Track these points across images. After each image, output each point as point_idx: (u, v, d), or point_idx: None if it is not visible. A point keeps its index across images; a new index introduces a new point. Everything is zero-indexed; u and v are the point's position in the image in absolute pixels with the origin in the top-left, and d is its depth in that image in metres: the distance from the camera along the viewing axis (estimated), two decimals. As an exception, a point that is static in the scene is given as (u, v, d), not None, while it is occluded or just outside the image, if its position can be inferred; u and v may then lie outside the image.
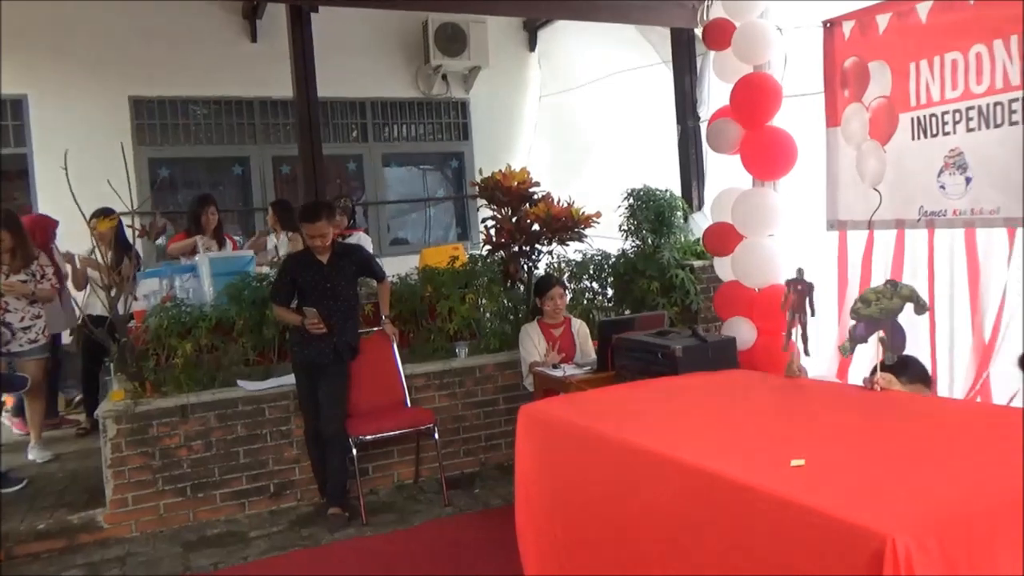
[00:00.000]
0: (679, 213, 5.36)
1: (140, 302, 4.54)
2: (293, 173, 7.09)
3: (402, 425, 4.05)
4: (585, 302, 5.41)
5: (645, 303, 5.09)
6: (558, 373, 3.96)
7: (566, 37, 7.43)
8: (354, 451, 3.90)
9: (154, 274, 4.89)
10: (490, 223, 4.97)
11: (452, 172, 8.13)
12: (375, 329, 4.32)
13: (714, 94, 5.54)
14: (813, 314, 2.57)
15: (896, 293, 2.25)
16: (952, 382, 3.51)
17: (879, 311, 2.30)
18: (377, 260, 4.36)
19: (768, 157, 4.19)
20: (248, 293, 4.35)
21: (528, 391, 4.31)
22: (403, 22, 7.36)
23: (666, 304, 5.02)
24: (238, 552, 3.58)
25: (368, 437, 3.96)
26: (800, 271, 2.62)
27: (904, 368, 2.58)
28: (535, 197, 4.82)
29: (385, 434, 4.02)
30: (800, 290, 2.55)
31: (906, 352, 2.63)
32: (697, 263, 5.17)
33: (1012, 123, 3.18)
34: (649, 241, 5.22)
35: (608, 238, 5.77)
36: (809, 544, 1.49)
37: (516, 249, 4.84)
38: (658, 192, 5.31)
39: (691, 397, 2.49)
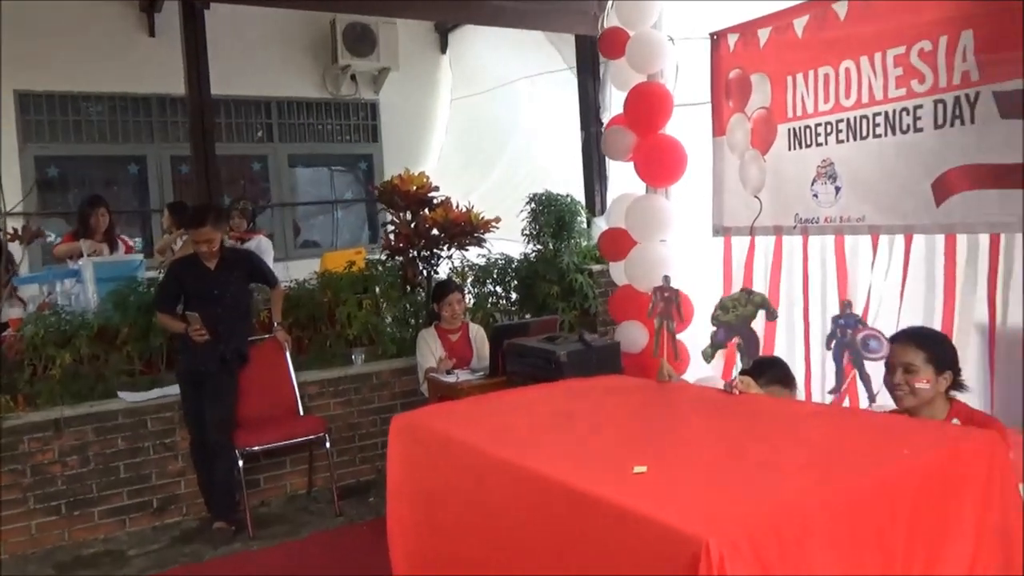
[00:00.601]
0: (580, 218, 5.45)
1: (15, 310, 4.33)
2: (192, 173, 6.89)
3: (291, 435, 3.99)
4: (488, 306, 5.45)
5: (546, 307, 5.16)
6: (451, 379, 3.97)
7: (477, 40, 7.46)
8: (240, 463, 3.81)
9: (32, 280, 4.68)
10: (390, 227, 4.94)
11: (363, 174, 8.05)
12: (267, 336, 4.24)
13: (617, 101, 5.67)
14: (681, 319, 2.65)
15: (750, 300, 2.35)
16: (824, 381, 3.67)
17: (735, 317, 2.39)
18: (272, 265, 4.29)
19: (659, 164, 4.31)
20: (135, 299, 4.21)
21: (425, 397, 4.31)
22: (310, 21, 7.24)
23: (566, 308, 5.10)
24: (114, 572, 3.45)
25: (255, 448, 3.88)
26: (667, 278, 2.69)
27: (765, 370, 2.70)
28: (434, 202, 4.82)
29: (273, 444, 3.95)
30: (667, 297, 2.63)
31: (775, 353, 2.76)
32: (596, 267, 5.27)
33: (876, 136, 3.36)
34: (550, 246, 5.30)
35: (514, 241, 5.83)
36: (635, 549, 1.54)
37: (415, 254, 4.83)
38: (559, 197, 5.39)
39: (559, 404, 2.53)
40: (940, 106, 3.08)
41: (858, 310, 3.53)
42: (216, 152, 4.78)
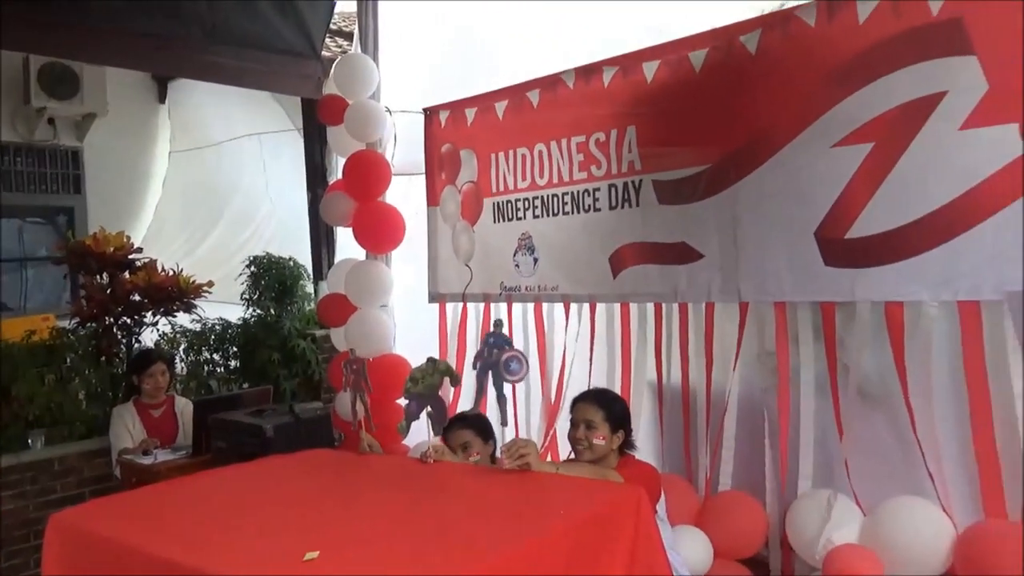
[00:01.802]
0: (303, 282, 5.39)
1: None
2: None
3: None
4: (204, 374, 5.16)
5: (266, 375, 4.99)
6: (147, 460, 3.66)
7: (199, 93, 7.14)
8: None
9: None
10: (82, 292, 4.51)
11: (63, 229, 7.25)
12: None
13: (342, 164, 5.74)
14: (370, 390, 2.71)
15: (436, 369, 2.47)
16: (529, 436, 3.93)
17: (425, 387, 2.50)
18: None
19: (377, 231, 4.40)
20: None
21: (118, 480, 3.92)
22: (-3, 55, 6.48)
23: (287, 375, 4.97)
24: None
25: None
26: (352, 351, 2.75)
27: (464, 424, 2.85)
28: (136, 264, 4.49)
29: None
30: (356, 369, 2.68)
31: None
32: (320, 332, 5.20)
33: (565, 213, 3.74)
34: (271, 310, 5.16)
35: (237, 305, 5.59)
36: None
37: (111, 321, 4.43)
38: (281, 260, 5.30)
39: (250, 485, 2.46)
40: (613, 190, 3.52)
41: (555, 370, 3.87)
42: None
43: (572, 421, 2.80)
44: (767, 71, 3.00)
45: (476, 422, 2.98)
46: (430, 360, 2.53)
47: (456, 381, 2.52)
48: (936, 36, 2.57)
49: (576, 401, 2.85)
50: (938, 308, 2.68)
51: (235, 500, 2.32)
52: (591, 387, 3.21)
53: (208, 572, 1.73)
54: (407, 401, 2.53)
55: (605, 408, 2.75)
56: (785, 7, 3.00)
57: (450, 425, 2.89)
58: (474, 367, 2.53)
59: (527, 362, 3.27)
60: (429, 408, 2.50)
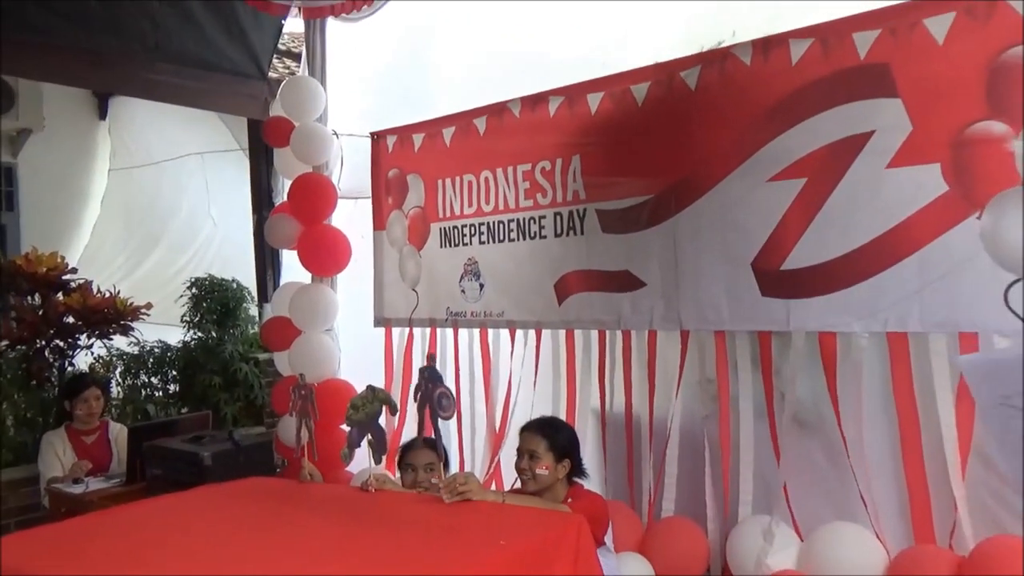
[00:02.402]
0: (247, 304, 5.31)
1: None
2: None
3: None
4: (142, 398, 5.04)
5: (207, 399, 4.90)
6: (78, 489, 3.55)
7: (140, 109, 7.02)
8: None
9: None
10: (12, 313, 4.36)
11: (-6, 246, 7.02)
12: None
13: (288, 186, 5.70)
14: (317, 417, 2.69)
15: (375, 397, 2.47)
16: (473, 466, 3.93)
17: (365, 415, 2.49)
18: None
19: (322, 254, 4.39)
20: None
21: (47, 510, 3.78)
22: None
23: (228, 400, 4.89)
24: None
25: None
26: (302, 376, 2.73)
27: (421, 445, 2.84)
28: (70, 285, 4.37)
29: None
30: (304, 395, 2.66)
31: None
32: (263, 356, 5.13)
33: (511, 239, 3.78)
34: (213, 333, 5.07)
35: (179, 327, 5.48)
36: None
37: (43, 344, 4.30)
38: (224, 283, 5.23)
39: (184, 518, 2.41)
40: (559, 217, 3.57)
41: (501, 396, 3.88)
42: None
43: (518, 450, 2.81)
44: (706, 106, 3.09)
45: (427, 440, 2.96)
46: (369, 388, 2.53)
47: (395, 410, 2.52)
48: (864, 78, 2.69)
49: (522, 431, 2.86)
50: (868, 338, 2.78)
51: (168, 531, 2.28)
52: (537, 415, 3.22)
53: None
54: (348, 428, 2.51)
55: (549, 438, 2.76)
56: (723, 45, 3.10)
57: (411, 444, 2.91)
58: (415, 399, 2.53)
59: (453, 400, 3.28)
60: (369, 436, 2.49)
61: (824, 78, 2.78)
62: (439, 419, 2.41)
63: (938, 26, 2.55)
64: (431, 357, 2.85)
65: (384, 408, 2.49)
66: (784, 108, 2.89)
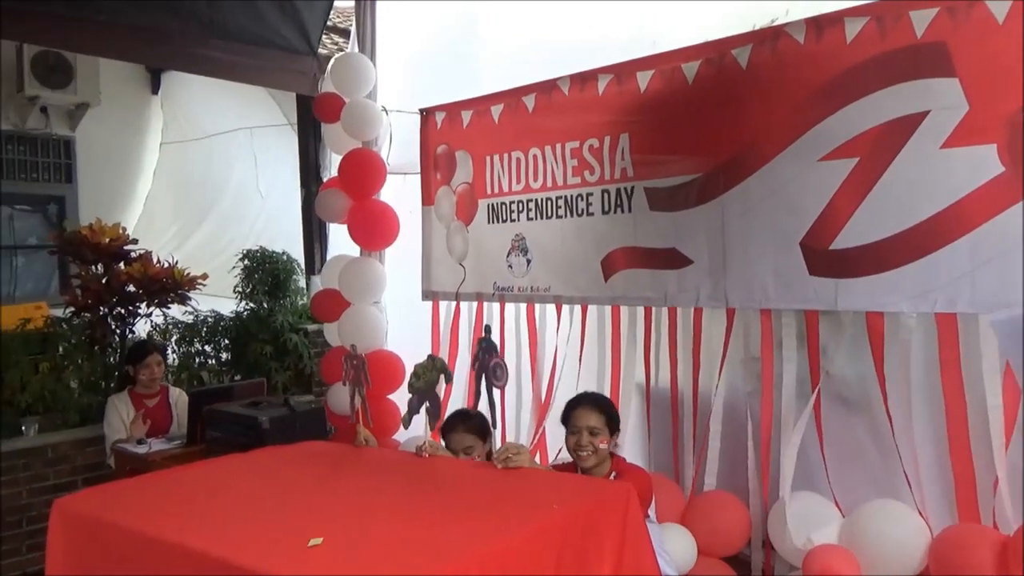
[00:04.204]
0: (296, 277, 5.46)
1: None
2: None
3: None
4: (196, 366, 5.22)
5: (259, 367, 5.06)
6: (141, 450, 3.73)
7: (192, 83, 7.16)
8: None
9: None
10: (76, 282, 4.56)
11: (54, 217, 7.27)
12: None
13: (337, 162, 5.81)
14: (370, 386, 2.80)
15: (435, 366, 2.57)
16: (518, 436, 4.04)
17: (425, 383, 2.59)
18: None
19: (371, 228, 4.49)
20: None
21: (112, 469, 3.99)
22: (-10, 43, 6.49)
23: (278, 368, 5.05)
24: None
25: None
26: (353, 347, 2.83)
27: (463, 421, 2.94)
28: (131, 256, 4.54)
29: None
30: (356, 364, 2.76)
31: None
32: (312, 327, 5.28)
33: (558, 216, 3.84)
34: (264, 304, 5.22)
35: (228, 299, 5.65)
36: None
37: (105, 312, 4.48)
38: (274, 255, 5.37)
39: (250, 475, 2.54)
40: (606, 195, 3.62)
41: (546, 370, 3.97)
42: None
43: (571, 428, 2.82)
44: (757, 85, 3.10)
45: (476, 423, 3.05)
46: (429, 357, 2.62)
47: (450, 378, 2.61)
48: (920, 58, 2.69)
49: (574, 407, 2.87)
50: (916, 319, 2.80)
51: (237, 488, 2.40)
52: (582, 390, 3.28)
53: (217, 555, 1.81)
54: (410, 395, 2.61)
55: (605, 412, 2.81)
56: (776, 23, 3.10)
57: (452, 427, 2.96)
58: (473, 368, 2.63)
59: (507, 370, 3.37)
60: (427, 404, 2.59)
61: (879, 57, 2.78)
62: (493, 388, 2.49)
63: (999, 5, 2.54)
64: (487, 328, 2.92)
65: (441, 377, 2.59)
66: (837, 87, 2.89)
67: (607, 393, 3.63)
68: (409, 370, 2.67)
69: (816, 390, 3.03)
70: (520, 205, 4.00)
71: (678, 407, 3.55)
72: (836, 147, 2.90)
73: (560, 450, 3.73)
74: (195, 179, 7.26)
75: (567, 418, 2.86)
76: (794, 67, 3.00)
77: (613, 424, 2.82)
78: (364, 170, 4.49)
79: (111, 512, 2.21)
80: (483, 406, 3.15)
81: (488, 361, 2.51)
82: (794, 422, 3.06)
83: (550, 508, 2.13)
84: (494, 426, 2.74)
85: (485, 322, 4.10)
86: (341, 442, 3.32)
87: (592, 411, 2.80)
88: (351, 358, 2.77)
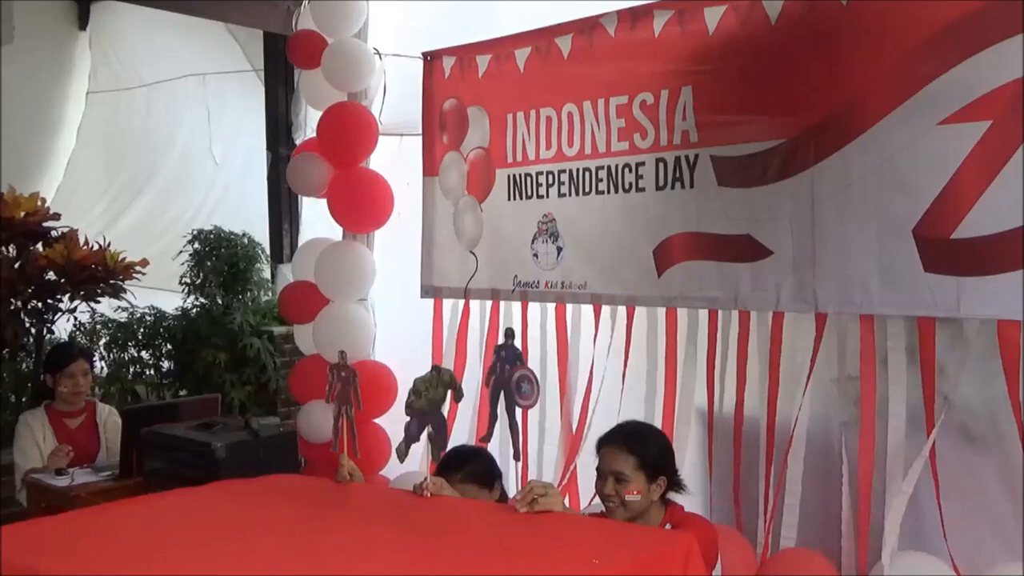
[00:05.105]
0: (260, 266, 5.51)
1: None
2: None
3: None
4: (130, 377, 5.28)
5: (210, 380, 5.12)
6: (62, 482, 3.78)
7: (129, 17, 7.24)
8: None
9: None
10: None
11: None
12: None
13: (314, 120, 5.84)
14: (360, 405, 2.83)
15: (440, 380, 2.59)
16: (540, 473, 4.06)
17: (428, 402, 2.62)
18: None
19: (359, 204, 4.53)
20: None
21: (24, 508, 4.04)
22: None
23: (236, 382, 5.11)
24: None
25: None
26: (342, 354, 2.86)
27: (461, 464, 2.96)
28: (51, 235, 4.60)
29: None
30: (344, 377, 2.79)
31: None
32: (280, 330, 5.34)
33: (599, 192, 3.86)
34: (218, 300, 5.27)
35: (171, 292, 5.72)
36: None
37: (18, 305, 4.54)
38: (233, 237, 5.42)
39: (198, 519, 2.56)
40: (662, 165, 3.63)
41: (580, 390, 3.99)
42: None
43: (598, 470, 2.85)
44: (861, 27, 3.10)
45: (479, 467, 3.07)
46: (434, 369, 2.65)
47: (460, 396, 2.63)
48: (1075, -7, 2.68)
49: (601, 444, 2.90)
50: (1064, 330, 2.80)
51: (184, 534, 2.42)
52: (625, 416, 3.29)
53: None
54: (408, 418, 2.64)
55: (638, 453, 2.80)
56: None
57: (445, 471, 2.94)
58: (487, 384, 2.63)
59: (538, 384, 3.39)
60: (430, 428, 2.62)
61: (1019, -7, 2.78)
62: (516, 408, 2.52)
63: None
64: (509, 332, 2.94)
65: (449, 394, 2.61)
66: (964, 30, 2.89)
67: (657, 422, 3.64)
68: (404, 386, 2.70)
69: (936, 423, 3.02)
70: (551, 177, 4.02)
71: (748, 439, 3.55)
72: (961, 107, 2.90)
73: (593, 496, 3.75)
74: (131, 139, 7.34)
75: (598, 456, 2.89)
76: (908, 4, 3.00)
77: (654, 466, 2.82)
78: (350, 130, 4.52)
79: (21, 560, 2.23)
80: (499, 433, 3.18)
81: (510, 374, 2.52)
82: (904, 463, 3.06)
83: (589, 564, 2.14)
84: (516, 458, 2.76)
85: (504, 325, 4.11)
86: (318, 476, 3.36)
87: (619, 452, 2.81)
88: (339, 368, 2.80)
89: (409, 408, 2.68)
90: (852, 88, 3.15)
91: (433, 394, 2.61)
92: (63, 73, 7.58)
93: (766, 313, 3.46)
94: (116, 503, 2.93)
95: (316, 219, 5.68)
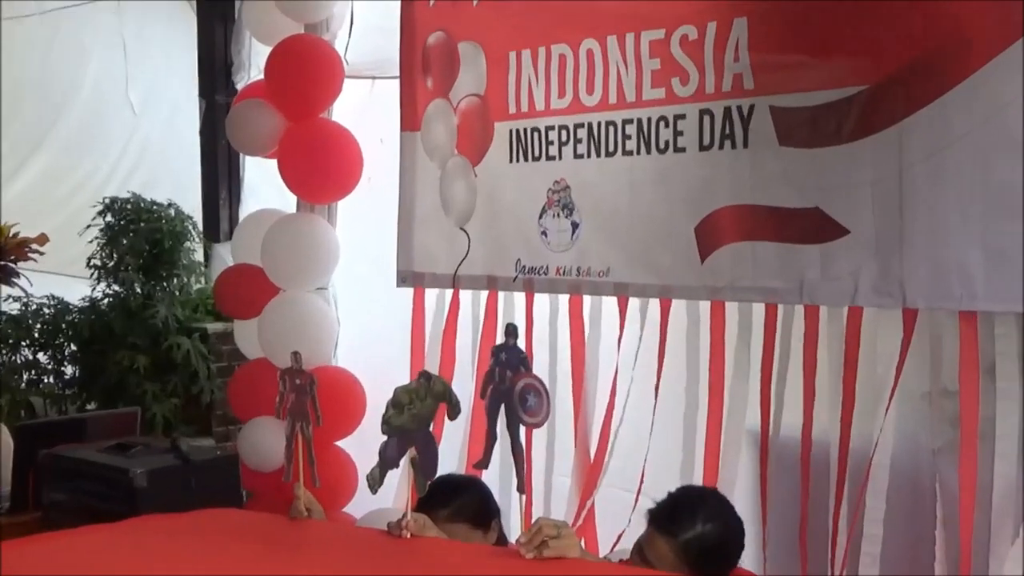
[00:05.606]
0: (191, 244, 5.49)
1: None
2: None
3: None
4: (23, 386, 5.27)
5: (126, 390, 5.10)
6: (-62, 517, 3.79)
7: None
8: None
9: None
10: None
11: None
12: None
13: (260, 58, 5.82)
14: (319, 422, 2.81)
15: (430, 390, 2.57)
16: (548, 509, 4.05)
17: (412, 418, 2.60)
18: None
19: (317, 167, 4.52)
20: None
21: None
22: None
23: (159, 393, 5.09)
24: None
25: None
26: (296, 356, 2.84)
27: (450, 499, 2.95)
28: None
29: None
30: (301, 385, 2.77)
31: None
32: (215, 327, 5.33)
33: (626, 152, 3.83)
34: (137, 288, 5.26)
35: (76, 278, 5.70)
36: None
37: None
38: (156, 208, 5.40)
39: (117, 563, 2.55)
40: (707, 118, 3.61)
41: (600, 404, 3.97)
42: None
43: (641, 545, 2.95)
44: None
45: (466, 502, 3.10)
46: (424, 376, 2.62)
47: (455, 412, 2.61)
48: None
49: (651, 521, 2.97)
50: None
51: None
52: (657, 438, 3.27)
53: None
54: (385, 437, 2.62)
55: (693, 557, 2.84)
56: None
57: (430, 508, 2.93)
58: (483, 396, 2.60)
59: (547, 396, 3.37)
60: (414, 451, 2.60)
61: None
62: (520, 426, 2.50)
63: None
64: (511, 330, 2.91)
65: (438, 409, 2.59)
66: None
67: (699, 446, 3.65)
68: (374, 399, 2.68)
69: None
70: (564, 133, 4.00)
71: (818, 471, 3.55)
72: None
73: (620, 537, 3.75)
74: (24, 81, 7.28)
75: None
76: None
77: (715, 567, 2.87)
78: (307, 71, 4.52)
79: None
80: (497, 459, 3.15)
81: (511, 383, 2.49)
82: (1016, 501, 3.05)
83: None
84: (520, 491, 2.75)
85: (505, 321, 4.10)
86: (266, 512, 3.35)
87: (665, 541, 2.87)
88: (292, 375, 2.78)
89: (386, 425, 2.65)
90: (950, 23, 3.13)
91: (420, 408, 2.58)
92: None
93: (839, 309, 3.45)
94: (4, 544, 2.91)
95: (263, 185, 5.70)
